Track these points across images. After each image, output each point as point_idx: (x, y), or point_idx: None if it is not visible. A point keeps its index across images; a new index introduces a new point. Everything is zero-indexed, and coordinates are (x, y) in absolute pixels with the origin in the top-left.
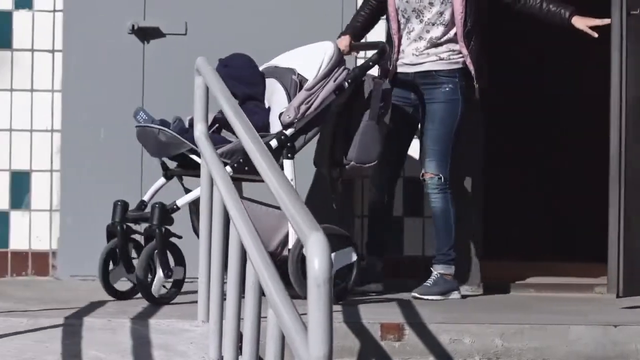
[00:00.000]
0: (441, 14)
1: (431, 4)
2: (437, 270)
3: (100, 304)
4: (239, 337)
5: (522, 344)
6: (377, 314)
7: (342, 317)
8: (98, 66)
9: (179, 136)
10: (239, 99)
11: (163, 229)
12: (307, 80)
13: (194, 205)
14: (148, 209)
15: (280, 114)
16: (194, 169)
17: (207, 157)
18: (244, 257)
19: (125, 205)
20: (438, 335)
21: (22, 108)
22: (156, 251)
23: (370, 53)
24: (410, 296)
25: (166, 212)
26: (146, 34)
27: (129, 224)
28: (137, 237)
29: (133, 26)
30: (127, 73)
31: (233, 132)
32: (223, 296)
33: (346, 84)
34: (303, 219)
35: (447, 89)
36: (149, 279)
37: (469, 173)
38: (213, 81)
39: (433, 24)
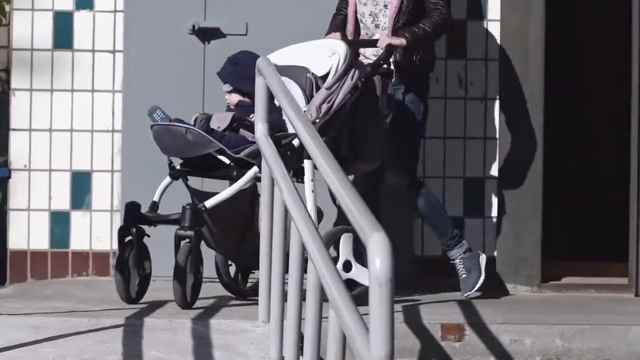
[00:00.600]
0: None
1: (386, 6)
2: (456, 256)
3: (161, 304)
4: (300, 338)
5: (582, 345)
6: (437, 314)
7: (403, 318)
8: (158, 67)
9: (207, 135)
10: (249, 97)
11: (198, 231)
12: (320, 78)
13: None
14: (163, 211)
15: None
16: (212, 170)
17: (269, 157)
18: (305, 257)
19: (137, 206)
20: (498, 335)
21: (82, 108)
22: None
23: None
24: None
25: (199, 214)
26: (207, 34)
27: (141, 225)
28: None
29: (193, 26)
30: (188, 73)
31: (251, 131)
32: (284, 296)
33: (359, 82)
34: (364, 218)
35: (405, 90)
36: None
37: (528, 176)
38: (274, 82)
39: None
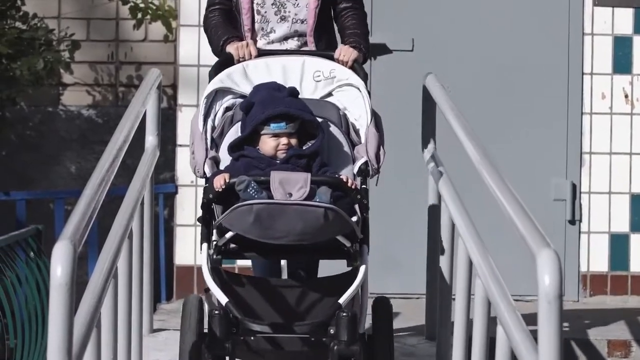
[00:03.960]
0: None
1: None
2: None
3: None
4: (468, 354)
5: None
6: (603, 331)
7: (569, 334)
8: None
9: (345, 215)
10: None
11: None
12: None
13: None
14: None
15: (363, 165)
16: (322, 255)
17: (436, 175)
18: (472, 273)
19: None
20: None
21: None
22: None
23: None
24: None
25: (357, 324)
26: (373, 50)
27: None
28: None
29: None
30: None
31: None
32: (450, 313)
33: None
34: (532, 235)
35: None
36: None
37: None
38: (442, 99)
39: (303, 22)
